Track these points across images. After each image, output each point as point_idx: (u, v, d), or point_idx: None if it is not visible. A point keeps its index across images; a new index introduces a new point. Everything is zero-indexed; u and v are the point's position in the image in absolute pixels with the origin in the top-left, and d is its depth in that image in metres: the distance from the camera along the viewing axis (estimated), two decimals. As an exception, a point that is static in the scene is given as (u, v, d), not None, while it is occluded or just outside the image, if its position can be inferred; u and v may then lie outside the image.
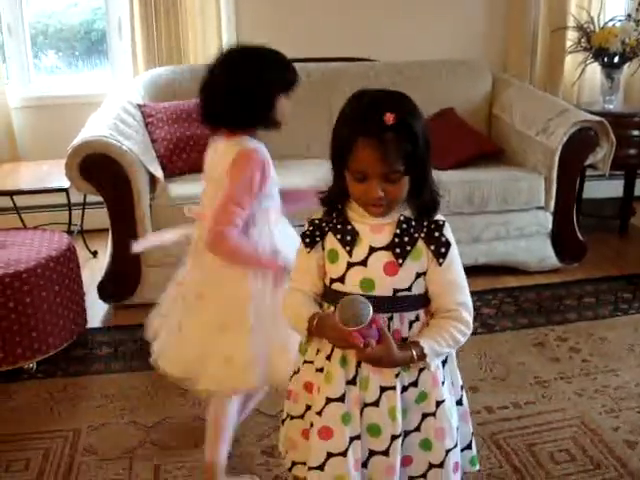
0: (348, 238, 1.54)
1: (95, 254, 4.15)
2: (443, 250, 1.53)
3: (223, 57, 2.03)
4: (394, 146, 1.44)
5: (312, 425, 1.60)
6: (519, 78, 4.60)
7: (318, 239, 1.58)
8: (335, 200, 1.59)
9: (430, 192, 1.55)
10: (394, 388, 1.54)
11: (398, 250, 1.52)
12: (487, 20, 4.76)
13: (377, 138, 1.43)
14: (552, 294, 3.64)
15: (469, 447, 1.72)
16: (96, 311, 3.44)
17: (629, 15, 4.62)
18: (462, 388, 1.71)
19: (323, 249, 1.58)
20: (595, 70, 4.67)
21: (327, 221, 1.58)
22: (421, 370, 1.57)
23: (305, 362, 1.67)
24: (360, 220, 1.54)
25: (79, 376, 2.90)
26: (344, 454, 1.55)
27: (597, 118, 3.77)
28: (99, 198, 3.35)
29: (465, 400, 1.71)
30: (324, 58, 4.33)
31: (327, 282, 1.60)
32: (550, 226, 3.84)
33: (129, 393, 2.73)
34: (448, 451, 1.60)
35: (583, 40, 4.51)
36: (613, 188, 4.84)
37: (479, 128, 4.28)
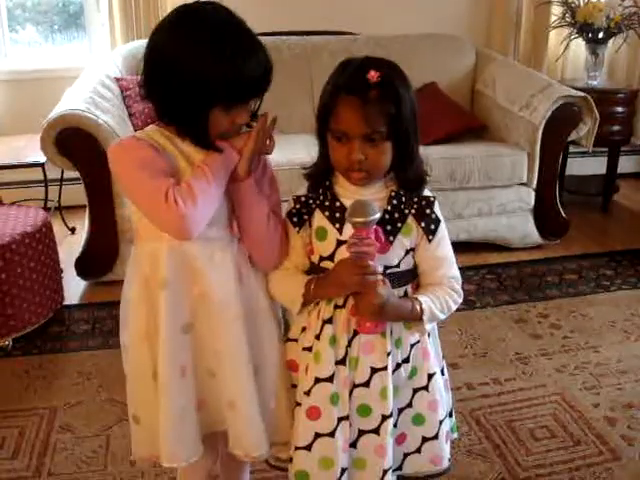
0: (337, 215, 1.51)
1: (73, 230, 4.09)
2: (433, 227, 1.53)
3: (166, 16, 1.50)
4: (376, 105, 1.41)
5: (298, 404, 1.58)
6: (503, 53, 4.57)
7: (305, 217, 1.55)
8: (321, 174, 1.56)
9: (416, 166, 1.52)
10: (386, 368, 1.53)
11: (389, 227, 1.50)
12: (471, -6, 4.71)
13: (359, 95, 1.41)
14: (534, 271, 3.63)
15: (450, 415, 1.72)
16: (73, 288, 3.39)
17: (614, -10, 4.59)
18: (443, 357, 1.71)
19: (310, 226, 1.55)
20: (579, 46, 4.66)
21: (313, 198, 1.55)
22: (412, 345, 1.57)
23: (288, 340, 1.65)
24: (349, 196, 1.50)
25: (55, 353, 2.86)
26: (332, 434, 1.54)
27: (580, 94, 3.74)
28: (77, 174, 3.29)
29: (446, 369, 1.72)
30: (305, 31, 4.27)
31: (315, 260, 1.57)
32: (532, 202, 3.82)
33: (106, 370, 2.70)
34: (441, 422, 1.62)
35: (567, 15, 4.48)
36: (596, 165, 4.84)
37: (462, 103, 4.25)
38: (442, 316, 1.55)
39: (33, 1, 4.54)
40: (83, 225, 3.54)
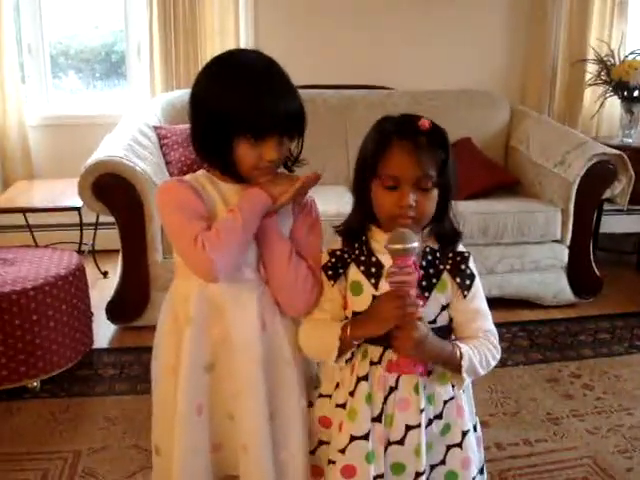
0: (373, 270, 1.51)
1: (106, 274, 4.13)
2: (468, 282, 1.52)
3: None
4: (428, 150, 1.44)
5: (331, 462, 1.56)
6: (538, 110, 4.58)
7: (341, 270, 1.54)
8: (358, 228, 1.56)
9: (450, 220, 1.54)
10: (419, 425, 1.51)
11: (424, 283, 1.49)
12: (506, 51, 4.75)
13: (412, 140, 1.43)
14: (567, 329, 3.56)
15: (481, 472, 1.69)
16: (103, 332, 3.41)
17: (650, 49, 4.60)
18: (475, 414, 1.68)
19: (345, 280, 1.55)
20: (614, 103, 4.66)
21: (348, 252, 1.55)
22: (446, 402, 1.55)
23: (320, 395, 1.63)
24: (384, 251, 1.48)
25: (83, 397, 2.86)
26: None
27: (615, 151, 3.72)
28: (112, 219, 3.34)
29: (478, 425, 1.70)
30: (341, 85, 4.33)
31: (349, 315, 1.56)
32: (566, 260, 3.78)
33: (132, 416, 2.69)
34: (473, 479, 1.60)
35: (603, 73, 4.50)
36: (631, 223, 4.79)
37: (496, 159, 4.25)
38: (481, 370, 1.52)
39: (76, 49, 4.67)
40: (116, 269, 3.57)
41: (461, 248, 1.56)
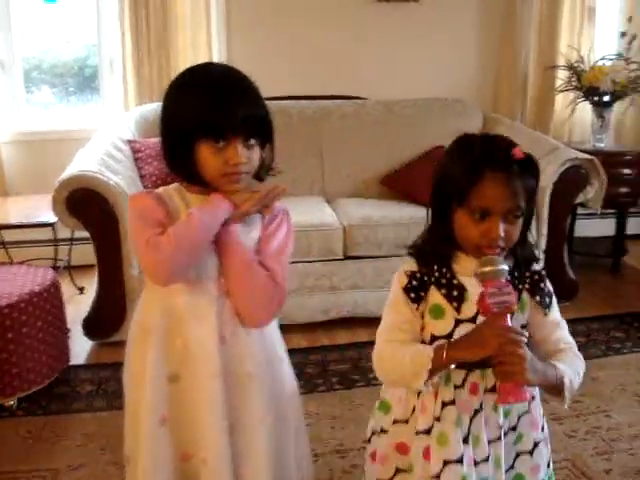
0: (455, 293, 1.48)
1: (82, 290, 4.10)
2: (548, 300, 1.53)
3: None
4: (520, 181, 1.41)
5: None
6: (510, 117, 4.62)
7: (422, 293, 1.51)
8: (443, 253, 1.51)
9: (529, 243, 1.54)
10: (499, 439, 1.52)
11: None
12: (478, 59, 4.79)
13: (506, 172, 1.40)
14: (543, 333, 3.57)
15: (548, 465, 1.68)
16: (80, 348, 3.38)
17: (619, 54, 4.66)
18: (543, 416, 1.67)
19: (425, 303, 1.51)
20: (586, 109, 4.70)
21: (428, 274, 1.51)
22: (520, 416, 1.56)
23: (395, 422, 1.61)
24: (467, 274, 1.48)
25: (60, 414, 2.83)
26: None
27: (587, 156, 3.77)
28: (87, 234, 3.32)
29: (545, 425, 1.68)
30: (314, 96, 4.34)
31: (426, 338, 1.53)
32: (541, 264, 3.79)
33: (110, 432, 2.66)
34: None
35: (573, 79, 4.54)
36: (605, 227, 4.83)
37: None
38: (577, 385, 1.49)
39: (49, 63, 4.65)
40: (92, 285, 3.55)
41: (536, 267, 1.56)
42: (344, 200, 3.97)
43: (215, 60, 4.19)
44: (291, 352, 3.22)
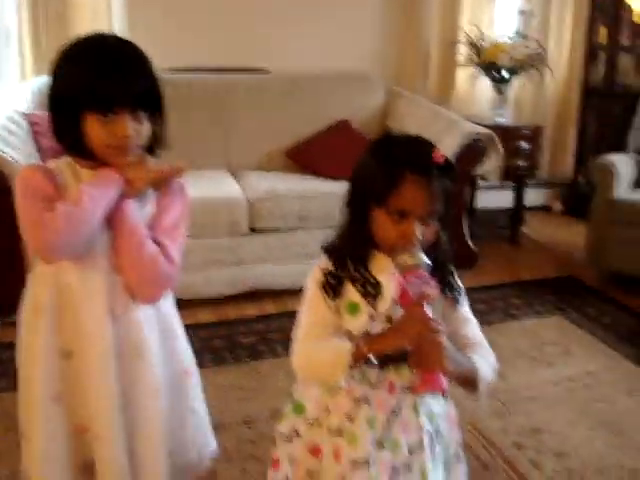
0: (370, 290, 1.49)
1: (-20, 269, 3.96)
2: (458, 296, 1.57)
3: None
4: (439, 184, 1.43)
5: None
6: (412, 91, 4.69)
7: (339, 290, 1.51)
8: (362, 252, 1.51)
9: (444, 241, 1.56)
10: (422, 447, 1.52)
11: None
12: (382, 33, 4.82)
13: (426, 175, 1.42)
14: (445, 302, 3.68)
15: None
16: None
17: (518, 31, 4.80)
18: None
19: (341, 300, 1.52)
20: (486, 84, 4.82)
21: (344, 271, 1.51)
22: (440, 415, 1.59)
23: (309, 423, 1.59)
24: (383, 272, 1.49)
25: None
26: None
27: (485, 130, 3.88)
28: (-18, 210, 3.20)
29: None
30: (218, 68, 4.30)
31: (343, 335, 1.52)
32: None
33: (14, 412, 2.51)
34: None
35: (474, 55, 4.65)
36: (504, 198, 5.00)
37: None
38: (490, 378, 1.53)
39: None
40: (-10, 263, 3.44)
41: (447, 264, 1.59)
42: (249, 173, 3.96)
43: (115, 31, 4.09)
44: (198, 326, 3.29)
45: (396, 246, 1.45)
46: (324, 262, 1.54)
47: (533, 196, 5.24)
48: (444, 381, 1.42)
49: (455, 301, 1.57)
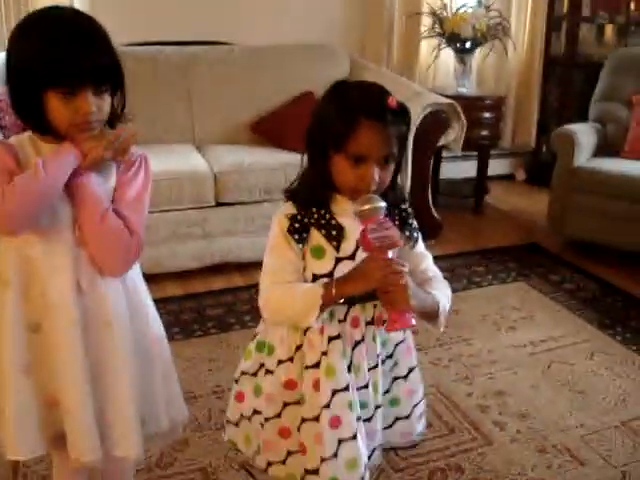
0: (334, 233, 1.54)
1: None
2: (415, 235, 1.64)
3: None
4: (394, 128, 1.48)
5: (308, 420, 1.61)
6: (376, 63, 4.70)
7: (305, 234, 1.55)
8: (321, 196, 1.56)
9: (398, 185, 1.64)
10: (377, 367, 1.65)
11: None
12: (344, 4, 4.82)
13: (381, 120, 1.46)
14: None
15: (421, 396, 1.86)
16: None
17: (479, 1, 4.84)
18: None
19: (306, 244, 1.56)
20: (449, 55, 4.85)
21: (307, 216, 1.55)
22: (397, 345, 1.70)
23: (280, 362, 1.65)
24: (347, 214, 1.54)
25: None
26: (354, 437, 1.60)
27: (448, 100, 3.92)
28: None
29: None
30: (182, 42, 4.27)
31: (308, 278, 1.58)
32: (407, 203, 3.94)
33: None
34: (414, 406, 1.79)
35: (437, 26, 4.68)
36: (468, 168, 5.06)
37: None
38: (448, 308, 1.62)
39: None
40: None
41: (402, 205, 1.64)
42: (214, 147, 3.96)
43: (76, 5, 4.04)
44: (166, 300, 3.31)
45: (355, 190, 1.51)
46: (288, 208, 1.59)
47: (496, 166, 5.31)
48: (412, 319, 1.49)
49: (412, 240, 1.63)
